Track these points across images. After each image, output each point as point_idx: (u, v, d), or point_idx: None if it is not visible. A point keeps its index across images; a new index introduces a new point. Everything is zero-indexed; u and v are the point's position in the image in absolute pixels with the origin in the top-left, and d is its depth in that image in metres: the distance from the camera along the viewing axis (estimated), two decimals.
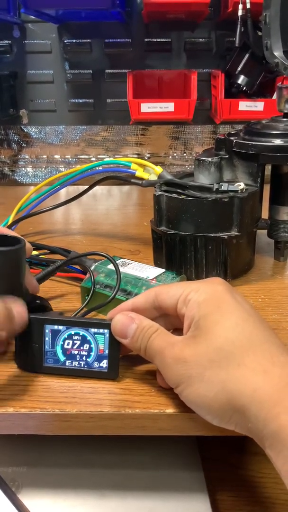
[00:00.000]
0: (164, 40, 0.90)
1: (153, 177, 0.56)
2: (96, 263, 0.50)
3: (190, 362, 0.31)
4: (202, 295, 0.33)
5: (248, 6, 0.73)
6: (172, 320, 0.37)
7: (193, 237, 0.51)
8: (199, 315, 0.33)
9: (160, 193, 0.52)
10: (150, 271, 0.49)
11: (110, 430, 0.36)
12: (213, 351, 0.31)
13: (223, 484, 0.48)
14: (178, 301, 0.35)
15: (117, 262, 0.50)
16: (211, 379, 0.30)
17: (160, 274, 0.48)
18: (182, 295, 0.35)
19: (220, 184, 0.51)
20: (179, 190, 0.52)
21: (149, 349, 0.34)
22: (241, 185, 0.51)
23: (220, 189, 0.50)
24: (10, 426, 0.36)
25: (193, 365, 0.31)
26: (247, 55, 0.79)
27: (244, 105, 0.80)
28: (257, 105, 0.80)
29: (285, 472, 0.27)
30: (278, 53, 0.55)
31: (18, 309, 0.36)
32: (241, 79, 0.80)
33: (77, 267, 0.53)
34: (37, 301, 0.41)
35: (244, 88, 0.81)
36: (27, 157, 0.98)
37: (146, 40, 0.90)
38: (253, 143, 0.52)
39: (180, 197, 0.51)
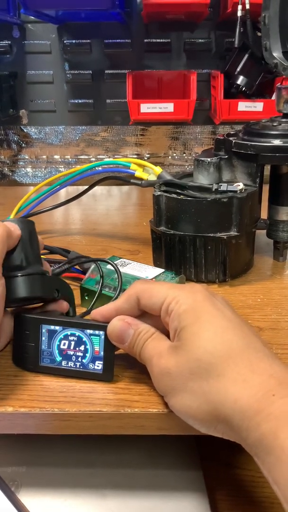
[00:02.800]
0: (163, 40, 0.90)
1: (153, 177, 0.57)
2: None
3: (173, 373, 0.32)
4: (182, 306, 0.33)
5: (247, 6, 0.73)
6: (158, 319, 0.36)
7: (192, 237, 0.51)
8: (180, 326, 0.33)
9: (159, 193, 0.52)
10: (149, 271, 0.49)
11: (109, 430, 0.36)
12: (194, 363, 0.31)
13: (222, 484, 0.48)
14: (161, 310, 0.35)
15: (116, 262, 0.50)
16: (193, 390, 0.31)
17: (159, 274, 0.48)
18: (164, 304, 0.34)
19: (219, 184, 0.51)
20: (178, 191, 0.52)
21: (142, 355, 0.35)
22: (240, 186, 0.51)
23: (219, 189, 0.50)
24: (9, 426, 0.36)
25: (176, 377, 0.32)
26: (246, 56, 0.79)
27: (244, 106, 0.81)
28: (256, 106, 0.80)
29: (272, 479, 0.27)
30: (277, 53, 0.55)
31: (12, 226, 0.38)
32: (240, 80, 0.81)
33: (77, 267, 0.53)
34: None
35: (244, 88, 0.81)
36: (26, 157, 0.98)
37: (145, 40, 0.90)
38: (252, 143, 0.52)
39: (179, 197, 0.51)
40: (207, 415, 0.30)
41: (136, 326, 0.36)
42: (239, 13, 0.74)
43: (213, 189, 0.51)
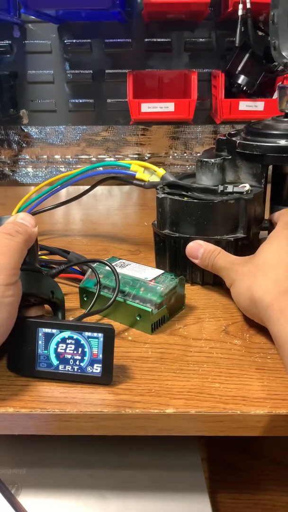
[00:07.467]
0: (164, 40, 0.90)
1: (155, 178, 0.56)
2: (95, 264, 0.50)
3: (239, 273, 0.45)
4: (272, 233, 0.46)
5: (248, 5, 0.73)
6: None
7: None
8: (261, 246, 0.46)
9: (163, 195, 0.51)
10: (149, 272, 0.48)
11: (110, 431, 0.36)
12: (252, 266, 0.43)
13: (223, 486, 0.48)
14: None
15: (116, 263, 0.50)
16: (244, 282, 0.43)
17: (159, 275, 0.48)
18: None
19: (225, 185, 0.50)
20: (182, 192, 0.51)
21: (214, 265, 0.47)
22: (246, 187, 0.50)
23: (225, 190, 0.50)
24: (10, 426, 0.36)
25: (240, 274, 0.44)
26: (247, 55, 0.79)
27: (244, 105, 0.80)
28: (257, 105, 0.80)
29: (276, 340, 0.37)
30: (286, 53, 0.54)
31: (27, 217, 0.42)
32: (241, 79, 0.80)
33: (76, 267, 0.53)
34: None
35: (244, 88, 0.80)
36: (27, 157, 0.98)
37: (146, 40, 0.90)
38: (258, 143, 0.51)
39: (184, 199, 0.50)
40: (247, 298, 0.42)
41: (206, 245, 0.49)
42: (240, 12, 0.74)
43: (219, 191, 0.50)
